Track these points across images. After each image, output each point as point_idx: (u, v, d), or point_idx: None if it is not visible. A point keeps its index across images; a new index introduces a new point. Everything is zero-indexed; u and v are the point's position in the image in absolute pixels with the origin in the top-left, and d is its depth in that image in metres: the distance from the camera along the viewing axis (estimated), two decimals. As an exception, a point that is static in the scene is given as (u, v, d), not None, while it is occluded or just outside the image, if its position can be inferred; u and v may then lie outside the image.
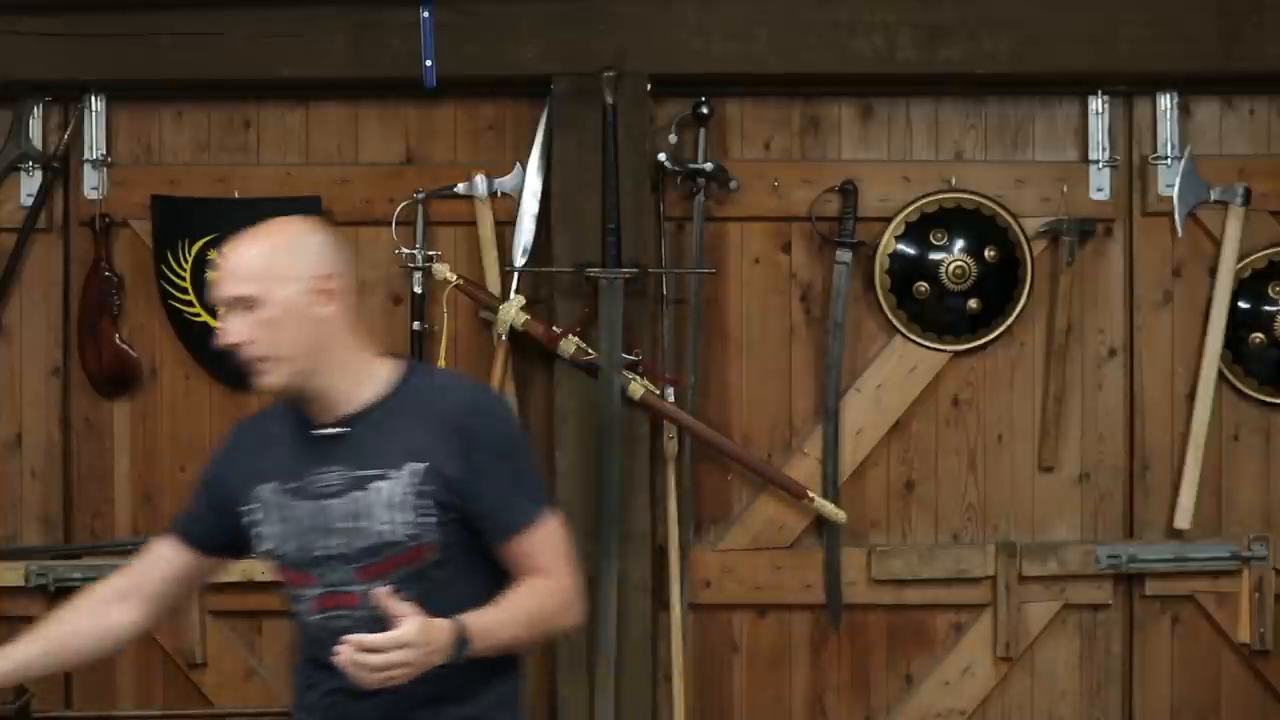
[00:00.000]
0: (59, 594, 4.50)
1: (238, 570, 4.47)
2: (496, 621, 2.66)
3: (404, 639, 2.52)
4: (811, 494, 4.52)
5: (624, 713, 4.40)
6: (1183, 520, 4.58)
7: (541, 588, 2.74)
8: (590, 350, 4.40)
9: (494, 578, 2.76)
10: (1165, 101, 4.59)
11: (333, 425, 2.73)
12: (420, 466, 2.70)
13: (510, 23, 4.40)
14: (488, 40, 4.40)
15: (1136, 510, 4.65)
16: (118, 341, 4.55)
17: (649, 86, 4.43)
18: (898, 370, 4.61)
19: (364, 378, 2.76)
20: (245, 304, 2.74)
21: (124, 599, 2.93)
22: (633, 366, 4.41)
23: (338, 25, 4.41)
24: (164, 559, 2.91)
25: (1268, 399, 4.63)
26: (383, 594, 2.57)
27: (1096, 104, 4.58)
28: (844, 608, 4.59)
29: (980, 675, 4.62)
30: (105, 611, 2.93)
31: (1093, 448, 4.64)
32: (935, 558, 4.60)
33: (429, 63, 4.38)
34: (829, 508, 4.53)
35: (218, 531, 2.86)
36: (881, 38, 4.43)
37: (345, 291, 2.79)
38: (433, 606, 2.60)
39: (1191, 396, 4.59)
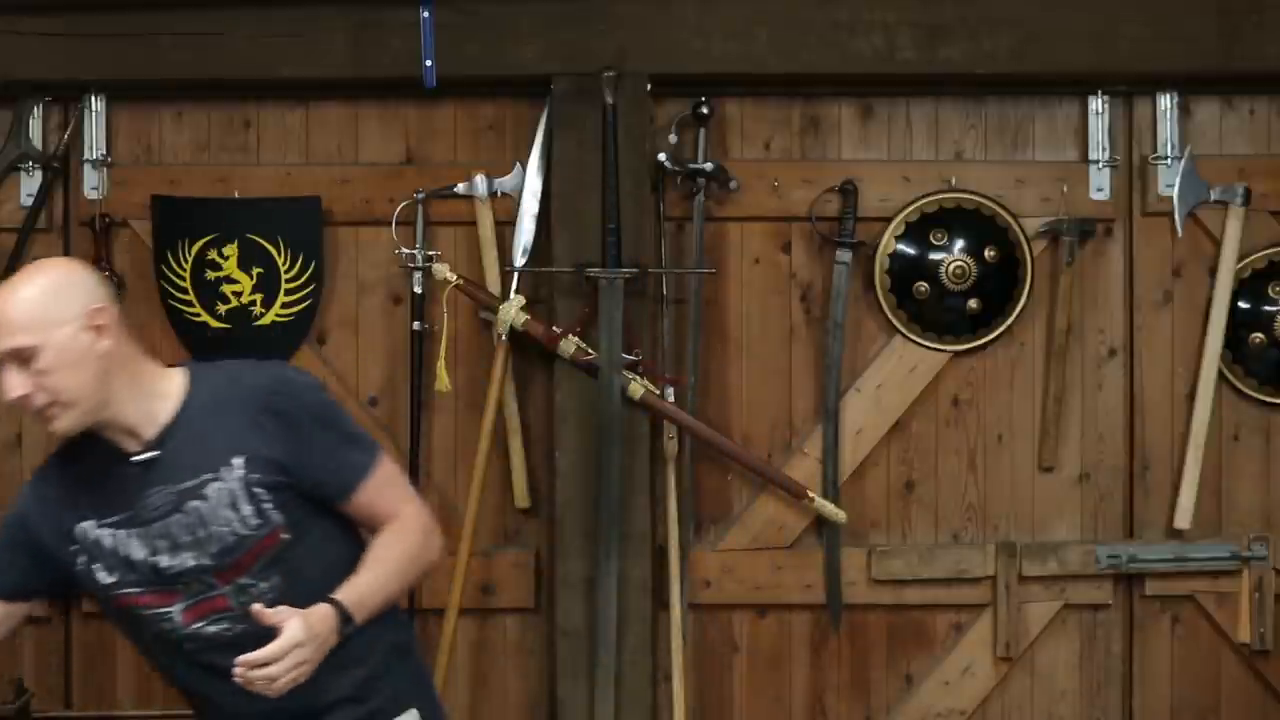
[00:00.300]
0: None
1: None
2: (369, 585, 2.76)
3: (293, 640, 2.62)
4: (811, 494, 4.52)
5: (624, 713, 4.40)
6: (1183, 520, 4.58)
7: (400, 532, 2.84)
8: (590, 350, 4.39)
9: (349, 533, 2.87)
10: (1165, 101, 4.59)
11: (142, 450, 2.76)
12: (241, 459, 2.75)
13: (510, 23, 4.40)
14: (488, 40, 4.40)
15: (1136, 510, 4.65)
16: (118, 341, 4.55)
17: (649, 86, 4.42)
18: (898, 370, 4.61)
19: (156, 395, 2.79)
20: (22, 356, 2.69)
21: None
22: (633, 366, 4.41)
23: (338, 25, 4.40)
24: None
25: (1268, 399, 4.63)
26: (257, 610, 2.64)
27: (1096, 104, 4.58)
28: (844, 608, 4.59)
29: (980, 675, 4.62)
30: None
31: (1093, 448, 4.64)
32: (935, 558, 4.60)
33: (429, 63, 4.38)
34: (829, 508, 4.53)
35: (28, 578, 2.87)
36: (881, 38, 4.43)
37: (116, 320, 2.79)
38: (301, 583, 2.73)
39: (1191, 396, 4.59)
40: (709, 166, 4.48)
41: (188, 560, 2.74)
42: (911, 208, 4.56)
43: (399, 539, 2.85)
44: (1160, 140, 4.60)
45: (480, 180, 4.49)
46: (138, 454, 2.76)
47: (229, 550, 2.74)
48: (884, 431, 4.62)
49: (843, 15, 4.42)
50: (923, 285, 4.57)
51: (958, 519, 4.64)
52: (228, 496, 2.74)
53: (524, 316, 4.41)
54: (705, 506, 4.60)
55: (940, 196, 4.57)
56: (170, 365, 2.88)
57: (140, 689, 4.59)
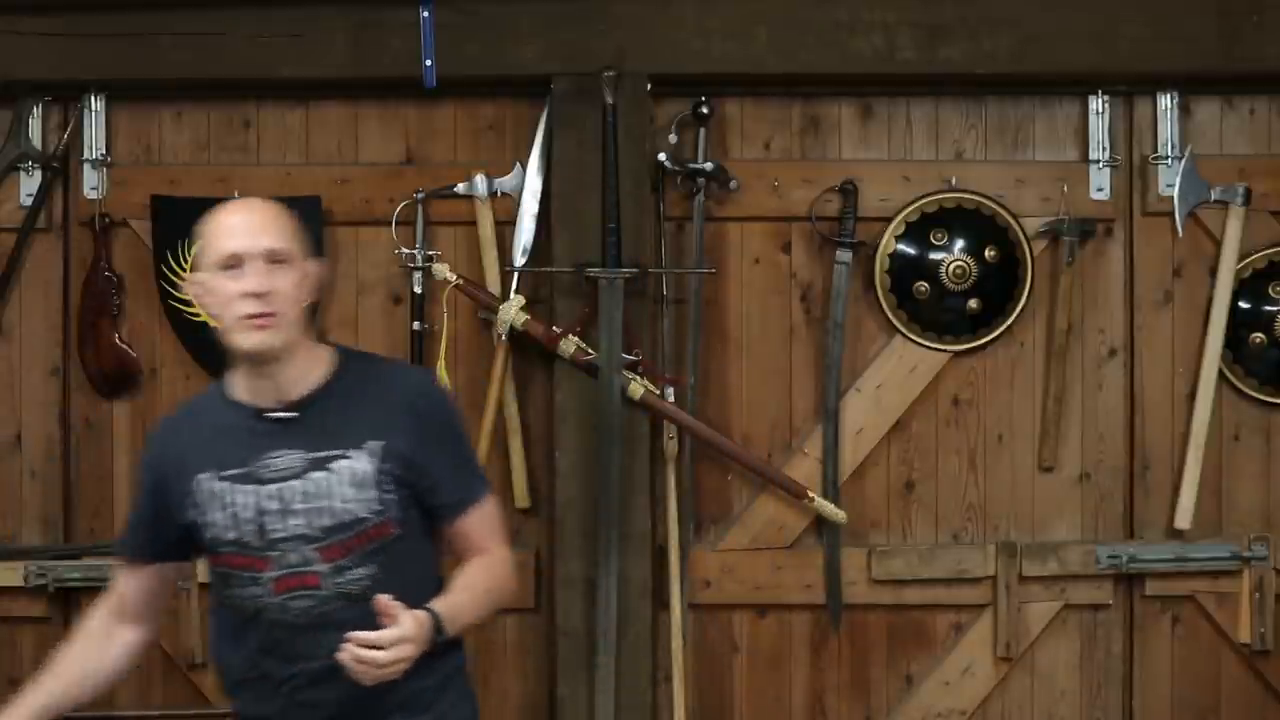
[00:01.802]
0: (58, 594, 4.51)
1: (238, 570, 4.50)
2: (461, 605, 2.81)
3: (405, 634, 2.63)
4: (811, 494, 4.52)
5: (624, 713, 4.40)
6: (1183, 520, 4.58)
7: (490, 566, 2.91)
8: (590, 350, 4.39)
9: (436, 553, 2.93)
10: (1165, 101, 4.59)
11: (282, 409, 2.80)
12: (378, 445, 2.79)
13: (510, 23, 4.40)
14: (488, 40, 4.40)
15: (1136, 510, 4.65)
16: (117, 341, 4.55)
17: (649, 86, 4.42)
18: (898, 370, 4.61)
19: (311, 362, 2.85)
20: (277, 258, 2.77)
21: (119, 623, 2.99)
22: (633, 366, 4.41)
23: (338, 25, 4.41)
24: (132, 585, 2.97)
25: (1268, 399, 4.63)
26: (381, 599, 2.65)
27: (1096, 104, 4.58)
28: (844, 608, 4.59)
29: (980, 675, 4.62)
30: (107, 641, 2.98)
31: (1093, 448, 4.64)
32: (935, 558, 4.59)
33: (429, 63, 4.38)
34: (829, 508, 4.53)
35: (167, 536, 2.89)
36: (881, 37, 4.43)
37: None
38: (391, 582, 2.74)
39: (1192, 396, 4.59)
40: (709, 166, 4.48)
41: (296, 528, 2.76)
42: (911, 207, 4.56)
43: (489, 572, 2.91)
44: (1160, 140, 4.59)
45: (480, 180, 4.49)
46: (276, 412, 2.80)
47: (340, 529, 2.76)
48: (884, 431, 4.62)
49: (842, 15, 4.42)
50: (923, 285, 4.57)
51: (958, 519, 4.64)
52: (355, 476, 2.78)
53: (524, 316, 4.42)
54: (705, 506, 4.60)
55: (940, 196, 4.57)
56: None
57: (140, 689, 4.59)
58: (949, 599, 4.62)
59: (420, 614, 2.69)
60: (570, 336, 4.39)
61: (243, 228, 2.79)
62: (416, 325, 4.50)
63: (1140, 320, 4.63)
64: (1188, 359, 4.61)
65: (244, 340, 2.78)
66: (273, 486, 2.77)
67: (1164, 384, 4.64)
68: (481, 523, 2.92)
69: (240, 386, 2.85)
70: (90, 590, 4.49)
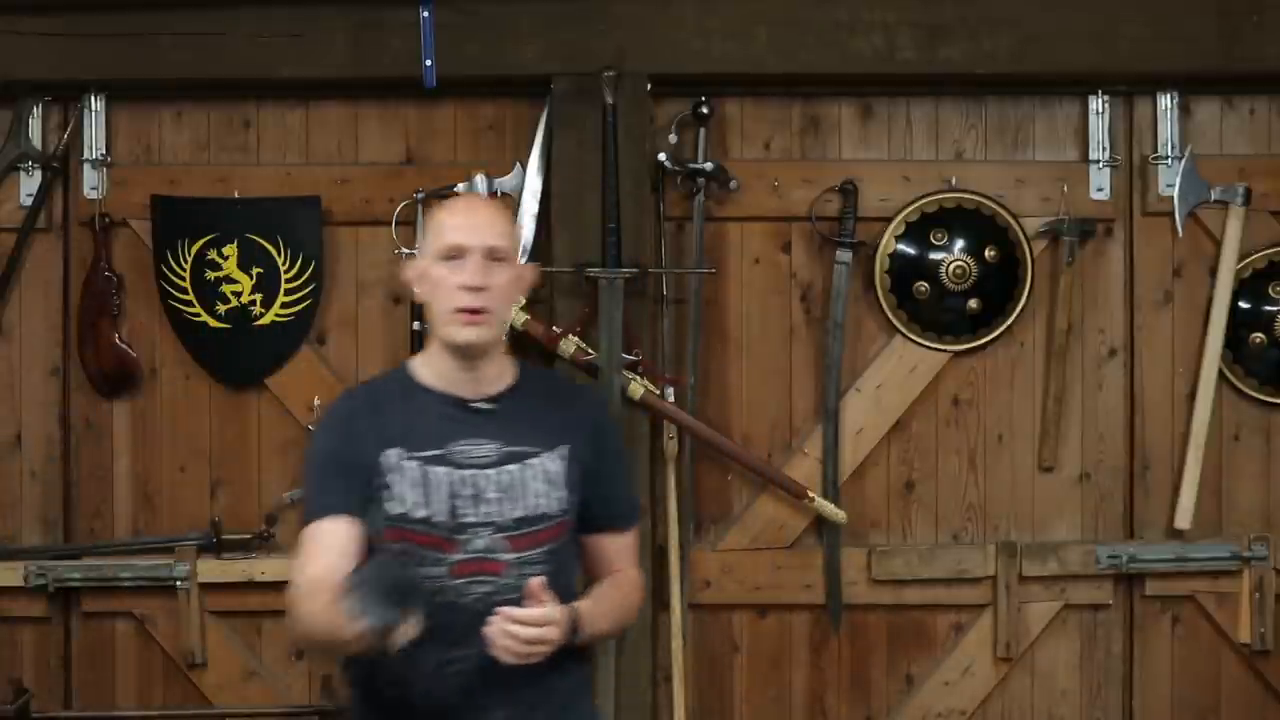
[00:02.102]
0: (58, 594, 4.51)
1: (238, 570, 4.51)
2: (598, 612, 2.91)
3: (551, 618, 2.74)
4: (811, 494, 4.52)
5: (624, 713, 4.40)
6: (1183, 520, 4.58)
7: (626, 586, 3.05)
8: (590, 350, 4.39)
9: (574, 571, 3.04)
10: (1165, 101, 4.59)
11: (482, 401, 2.91)
12: (566, 449, 2.93)
13: (510, 23, 4.40)
14: (488, 40, 4.40)
15: (1136, 510, 4.65)
16: (117, 341, 4.55)
17: (649, 86, 4.42)
18: (898, 370, 4.61)
19: (504, 363, 2.98)
20: (495, 255, 2.87)
21: None
22: (633, 366, 4.41)
23: (338, 25, 4.41)
24: (351, 536, 2.87)
25: (1268, 399, 4.63)
26: (533, 582, 2.75)
27: (1096, 104, 4.58)
28: (844, 608, 4.59)
29: (980, 675, 4.62)
30: None
31: (1093, 448, 4.64)
32: (935, 558, 4.59)
33: (429, 63, 4.38)
34: (829, 508, 4.53)
35: (358, 496, 2.88)
36: (881, 37, 4.43)
37: None
38: (556, 580, 2.84)
39: (1192, 396, 4.59)
40: (709, 166, 4.48)
41: (487, 515, 2.85)
42: (911, 207, 4.56)
43: (624, 591, 3.04)
44: (1160, 140, 4.60)
45: (480, 180, 4.49)
46: (477, 402, 2.90)
47: (530, 521, 2.88)
48: (884, 431, 4.62)
49: (842, 15, 4.42)
50: (923, 285, 4.57)
51: (958, 519, 4.64)
52: (546, 475, 2.90)
53: (524, 316, 4.41)
54: (705, 506, 4.60)
55: (940, 196, 4.57)
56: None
57: (140, 689, 4.59)
58: (949, 599, 4.62)
59: (564, 606, 2.79)
60: (570, 336, 4.39)
61: (468, 222, 2.90)
62: (416, 325, 4.50)
63: (1140, 320, 4.63)
64: (1188, 359, 4.61)
65: (455, 332, 2.87)
66: (467, 472, 2.85)
67: (1164, 384, 4.64)
68: (625, 545, 3.07)
69: (432, 374, 2.93)
70: (90, 590, 4.52)
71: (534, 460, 2.89)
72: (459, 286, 2.84)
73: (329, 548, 2.84)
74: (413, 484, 2.85)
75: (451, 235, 2.87)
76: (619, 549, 3.06)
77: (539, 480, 2.89)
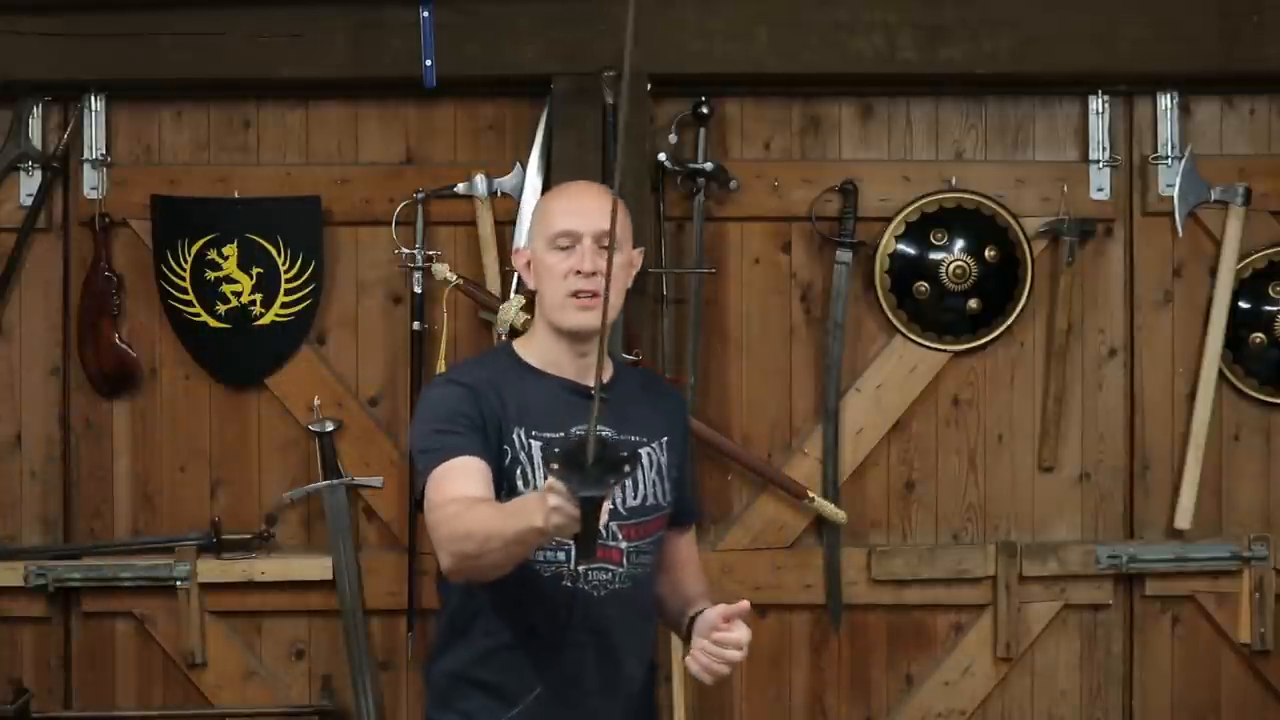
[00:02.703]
0: (58, 594, 4.51)
1: (238, 570, 4.51)
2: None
3: (747, 640, 2.77)
4: (811, 494, 4.52)
5: (624, 713, 4.39)
6: (1183, 520, 4.58)
7: (703, 577, 3.12)
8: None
9: None
10: (1165, 101, 4.59)
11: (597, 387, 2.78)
12: (664, 442, 2.98)
13: (510, 23, 4.40)
14: (488, 40, 4.39)
15: (1136, 510, 4.65)
16: (117, 341, 4.55)
17: (649, 86, 4.42)
18: (898, 370, 4.61)
19: (605, 355, 2.82)
20: (605, 241, 2.81)
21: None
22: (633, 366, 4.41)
23: (338, 25, 4.40)
24: (489, 478, 2.82)
25: (1268, 399, 4.64)
26: (745, 606, 2.77)
27: (1096, 104, 4.58)
28: (844, 608, 4.59)
29: (980, 675, 4.62)
30: None
31: (1093, 448, 4.64)
32: (935, 558, 4.59)
33: (429, 63, 4.38)
34: (829, 508, 4.53)
35: (493, 457, 2.85)
36: (881, 38, 4.43)
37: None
38: (650, 577, 2.94)
39: (1192, 396, 4.59)
40: (709, 166, 4.48)
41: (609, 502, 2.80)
42: (911, 207, 4.56)
43: (702, 584, 3.09)
44: (1160, 140, 4.59)
45: (480, 180, 4.49)
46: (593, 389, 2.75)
47: (644, 510, 2.91)
48: (884, 431, 4.62)
49: (843, 15, 4.42)
50: (923, 285, 4.57)
51: (958, 519, 4.64)
52: (656, 466, 2.95)
53: (524, 316, 4.41)
54: (705, 506, 4.60)
55: (940, 196, 4.57)
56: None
57: (140, 689, 4.59)
58: (949, 599, 4.62)
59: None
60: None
61: (579, 208, 2.90)
62: (416, 325, 4.50)
63: (1140, 320, 4.63)
64: (1188, 359, 4.62)
65: (569, 317, 2.88)
66: None
67: (1164, 384, 4.64)
68: (692, 541, 3.17)
69: (542, 359, 2.93)
70: (90, 590, 4.52)
71: (644, 450, 2.91)
72: (571, 272, 2.85)
73: (472, 476, 2.77)
74: (539, 466, 2.83)
75: (562, 221, 2.89)
76: (687, 543, 3.13)
77: (651, 470, 2.93)
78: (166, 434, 4.59)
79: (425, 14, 4.36)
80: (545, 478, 2.66)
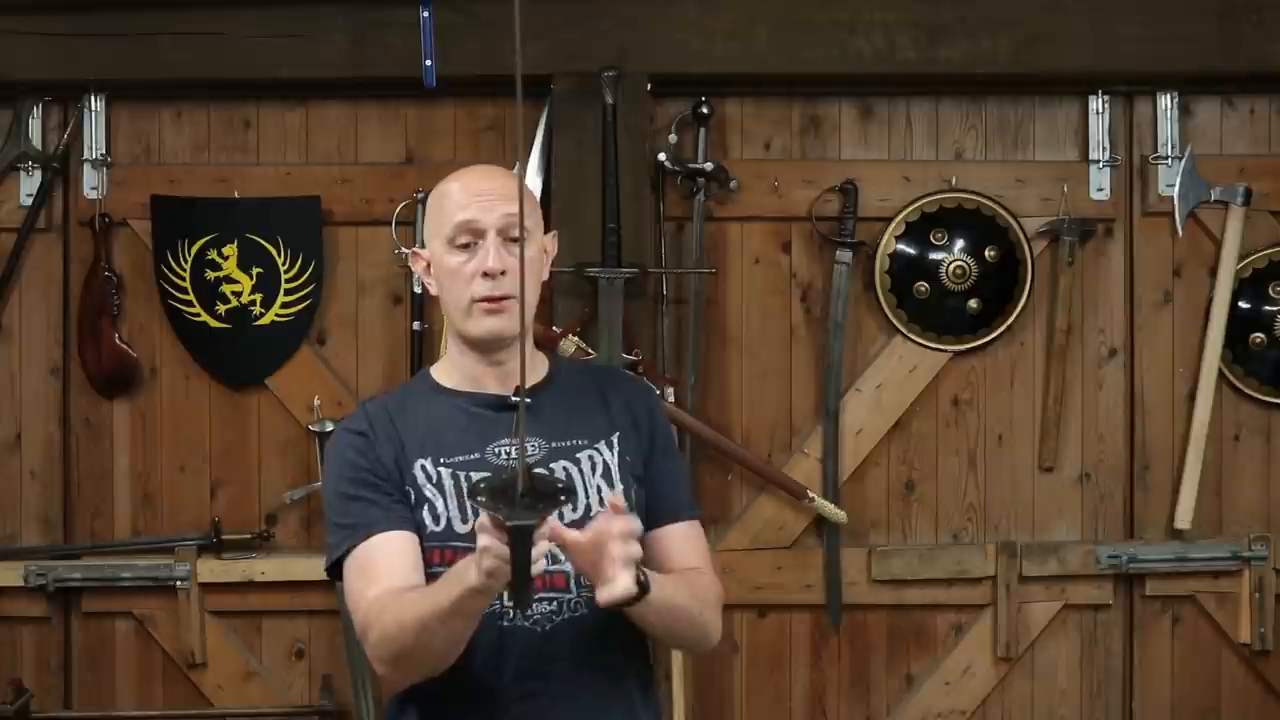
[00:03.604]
0: (58, 594, 4.51)
1: (238, 570, 4.51)
2: (669, 584, 2.48)
3: (637, 530, 2.35)
4: (811, 494, 4.52)
5: (624, 713, 4.39)
6: (1183, 520, 4.58)
7: (700, 582, 2.60)
8: (590, 350, 4.39)
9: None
10: (1165, 101, 4.59)
11: (515, 395, 2.48)
12: (615, 438, 2.59)
13: (510, 23, 4.37)
14: (488, 40, 4.39)
15: (1136, 510, 4.65)
16: (117, 341, 4.55)
17: (649, 86, 4.42)
18: (898, 370, 4.61)
19: (535, 353, 2.63)
20: (511, 232, 2.52)
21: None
22: (633, 367, 4.41)
23: (338, 25, 4.40)
24: (412, 548, 2.50)
25: (1268, 399, 4.63)
26: (616, 498, 2.41)
27: (1096, 104, 4.58)
28: (844, 608, 4.59)
29: (980, 675, 4.62)
30: None
31: (1093, 448, 4.64)
32: (935, 558, 4.59)
33: (429, 63, 4.37)
34: (829, 508, 4.53)
35: (400, 510, 2.52)
36: (881, 37, 4.43)
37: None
38: None
39: (1191, 396, 4.59)
40: (709, 166, 4.48)
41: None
42: (911, 207, 4.56)
43: (696, 584, 2.58)
44: (1160, 140, 4.59)
45: (480, 180, 4.48)
46: (510, 397, 2.53)
47: (589, 522, 2.41)
48: (884, 431, 4.62)
49: (843, 15, 4.42)
50: (923, 285, 4.57)
51: (958, 519, 4.64)
52: (603, 467, 2.56)
53: (524, 316, 4.41)
54: (705, 506, 4.58)
55: (940, 196, 4.57)
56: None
57: (140, 689, 4.59)
58: (949, 599, 4.62)
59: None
60: (570, 336, 4.39)
61: (479, 196, 2.53)
62: (416, 325, 4.50)
63: (1140, 320, 4.63)
64: (1188, 359, 4.61)
65: (475, 325, 2.53)
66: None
67: (1164, 384, 4.64)
68: (688, 539, 2.64)
69: (457, 376, 2.61)
70: (90, 590, 4.52)
71: (584, 454, 2.55)
72: (476, 274, 2.50)
73: (393, 559, 2.45)
74: (450, 495, 2.50)
75: (461, 214, 2.52)
76: (683, 539, 2.62)
77: (596, 475, 2.55)
78: (166, 434, 4.59)
79: (425, 14, 4.35)
80: (466, 511, 2.45)
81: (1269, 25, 4.42)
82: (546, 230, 2.72)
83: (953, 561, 4.59)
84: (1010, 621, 4.57)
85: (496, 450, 2.53)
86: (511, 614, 2.46)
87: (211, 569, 4.51)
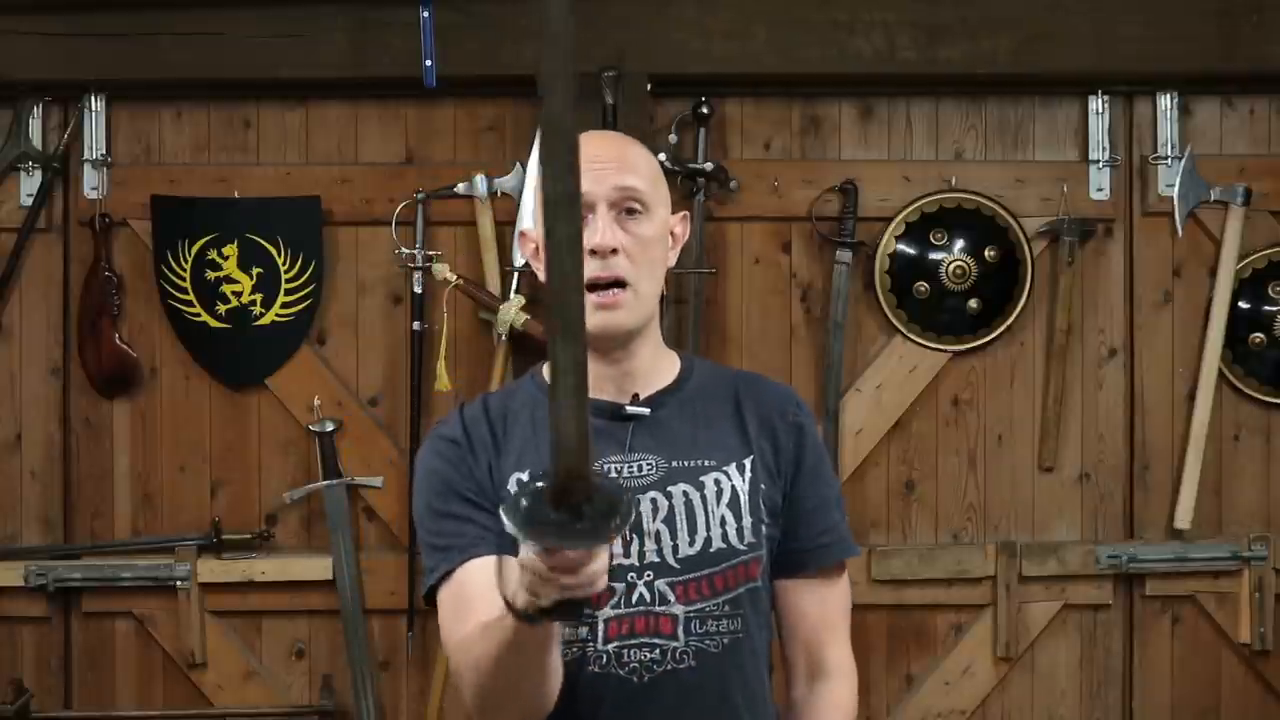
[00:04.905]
0: (58, 594, 4.51)
1: (238, 570, 4.51)
2: None
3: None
4: (811, 494, 4.51)
5: (624, 713, 4.39)
6: (1183, 520, 4.58)
7: (842, 708, 2.32)
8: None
9: (768, 632, 2.28)
10: (1165, 101, 4.59)
11: (632, 403, 2.20)
12: (748, 462, 2.21)
13: (510, 23, 4.40)
14: (488, 40, 4.39)
15: (1136, 510, 4.65)
16: (117, 341, 4.55)
17: (648, 87, 4.42)
18: (898, 370, 4.61)
19: (660, 354, 2.26)
20: (629, 204, 2.16)
21: None
22: (633, 366, 4.40)
23: (338, 25, 4.41)
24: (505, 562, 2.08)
25: (1268, 399, 4.63)
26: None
27: (1096, 104, 4.58)
28: (844, 608, 4.58)
29: (980, 675, 4.62)
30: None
31: (1093, 448, 4.64)
32: (935, 558, 4.59)
33: (429, 63, 4.38)
34: (829, 508, 4.52)
35: (497, 530, 2.12)
36: (881, 37, 4.43)
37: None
38: (752, 645, 2.19)
39: (1191, 396, 4.59)
40: (709, 166, 4.48)
41: (648, 553, 2.14)
42: (911, 208, 4.56)
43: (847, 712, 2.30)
44: (1160, 140, 4.59)
45: (480, 180, 4.49)
46: (627, 405, 2.21)
47: (706, 560, 2.14)
48: (884, 431, 4.62)
49: (842, 15, 4.42)
50: (923, 285, 4.57)
51: (958, 519, 4.64)
52: (730, 495, 2.18)
53: (524, 316, 4.41)
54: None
55: (940, 196, 4.57)
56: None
57: (140, 689, 4.59)
58: (949, 599, 4.62)
59: None
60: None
61: (590, 163, 2.03)
62: (416, 325, 4.50)
63: (1140, 320, 4.63)
64: (1188, 359, 4.61)
65: (596, 316, 2.11)
66: None
67: (1164, 384, 4.64)
68: (833, 597, 2.28)
69: None
70: (90, 590, 4.52)
71: (711, 476, 2.18)
72: (585, 252, 2.10)
73: (489, 594, 2.01)
74: None
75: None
76: (822, 603, 2.26)
77: (721, 503, 2.17)
78: (166, 434, 4.59)
79: (425, 14, 4.36)
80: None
81: (1269, 25, 4.42)
82: (675, 211, 2.32)
83: (953, 561, 4.59)
84: (1010, 621, 4.57)
85: (605, 468, 2.16)
86: (604, 658, 2.15)
87: (211, 569, 4.51)
